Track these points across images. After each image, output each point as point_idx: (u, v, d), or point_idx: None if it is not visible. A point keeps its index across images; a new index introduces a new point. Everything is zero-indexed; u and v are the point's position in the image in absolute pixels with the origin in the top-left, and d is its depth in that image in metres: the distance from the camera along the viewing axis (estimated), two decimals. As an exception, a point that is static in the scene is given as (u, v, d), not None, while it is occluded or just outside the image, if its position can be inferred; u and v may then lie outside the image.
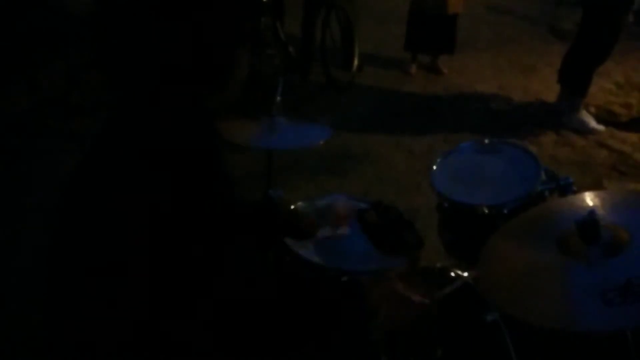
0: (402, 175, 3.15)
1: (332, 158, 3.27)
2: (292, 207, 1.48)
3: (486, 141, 1.57)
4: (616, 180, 3.17)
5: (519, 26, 5.49)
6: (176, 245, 0.78)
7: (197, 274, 0.80)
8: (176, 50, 0.79)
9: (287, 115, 1.77)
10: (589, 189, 1.17)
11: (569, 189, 1.43)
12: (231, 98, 3.49)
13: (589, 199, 1.10)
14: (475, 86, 4.32)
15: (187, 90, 0.84)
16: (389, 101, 4.10)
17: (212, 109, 0.89)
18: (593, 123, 3.60)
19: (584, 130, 3.58)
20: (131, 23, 0.78)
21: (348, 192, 2.96)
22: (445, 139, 3.53)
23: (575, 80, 3.59)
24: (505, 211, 1.39)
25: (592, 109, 3.91)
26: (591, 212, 0.95)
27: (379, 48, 4.81)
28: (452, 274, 1.47)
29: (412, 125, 3.74)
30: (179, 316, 0.81)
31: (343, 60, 4.33)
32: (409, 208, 2.71)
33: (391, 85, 4.34)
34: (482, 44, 5.05)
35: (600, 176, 3.17)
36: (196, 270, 0.80)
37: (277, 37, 4.02)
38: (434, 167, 1.55)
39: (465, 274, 1.46)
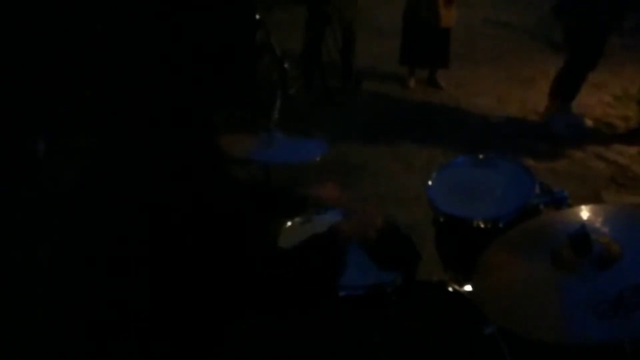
0: (401, 188, 3.16)
1: (332, 171, 3.28)
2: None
3: (481, 156, 1.59)
4: (614, 192, 3.18)
5: (517, 39, 5.53)
6: (180, 251, 0.78)
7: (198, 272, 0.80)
8: (179, 69, 0.81)
9: (284, 130, 1.79)
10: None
11: (564, 202, 1.44)
12: (229, 114, 3.53)
13: (582, 212, 1.11)
14: (474, 99, 4.34)
15: (191, 108, 0.85)
16: (387, 114, 4.13)
17: (215, 125, 0.90)
18: (588, 121, 3.83)
19: (575, 130, 3.74)
20: (134, 41, 0.80)
21: (347, 205, 2.99)
22: (444, 151, 3.54)
23: (565, 88, 3.76)
24: (501, 225, 1.39)
25: (590, 122, 3.94)
26: (582, 225, 0.96)
27: (378, 62, 4.85)
28: (450, 288, 1.48)
29: (411, 138, 3.76)
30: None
31: (342, 75, 4.37)
32: (408, 221, 2.72)
33: (390, 98, 4.37)
34: (480, 57, 5.08)
35: (598, 189, 3.18)
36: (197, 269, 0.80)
37: (272, 52, 4.06)
38: (430, 182, 1.56)
39: (465, 288, 1.47)
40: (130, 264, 0.79)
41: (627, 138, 3.68)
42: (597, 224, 1.05)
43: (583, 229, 0.95)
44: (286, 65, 4.12)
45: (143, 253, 0.78)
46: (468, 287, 1.46)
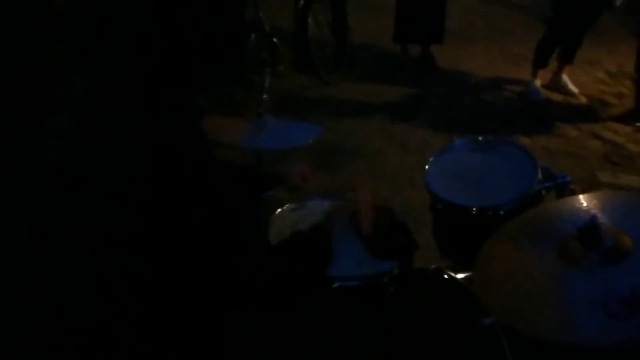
0: (396, 171, 3.11)
1: (324, 154, 3.21)
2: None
3: (480, 139, 1.53)
4: (610, 171, 3.15)
5: (512, 16, 5.43)
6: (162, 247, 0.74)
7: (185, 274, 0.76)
8: (160, 44, 0.75)
9: (275, 113, 1.72)
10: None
11: (566, 187, 1.39)
12: (217, 94, 3.42)
13: (590, 201, 1.06)
14: (468, 78, 4.27)
15: (173, 87, 0.80)
16: (381, 94, 4.04)
17: (199, 106, 0.85)
18: (571, 85, 3.97)
19: (565, 91, 3.94)
20: (114, 17, 0.74)
21: (340, 187, 2.94)
22: (438, 132, 3.49)
23: (565, 51, 3.92)
24: (502, 212, 1.34)
25: (584, 99, 3.91)
26: (593, 217, 0.91)
27: (371, 39, 4.74)
28: (446, 276, 1.44)
29: (404, 118, 3.69)
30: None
31: (334, 53, 4.27)
32: (403, 205, 2.68)
33: (383, 77, 4.28)
34: (475, 34, 4.99)
35: (593, 168, 3.16)
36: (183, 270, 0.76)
37: (261, 29, 3.94)
38: (427, 167, 1.50)
39: (460, 276, 1.43)
40: (113, 254, 0.74)
41: (622, 118, 3.65)
42: (605, 215, 1.00)
43: (594, 220, 0.90)
44: (275, 41, 4.01)
45: (127, 242, 0.74)
46: (466, 275, 1.41)
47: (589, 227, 0.90)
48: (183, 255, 0.74)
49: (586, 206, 1.05)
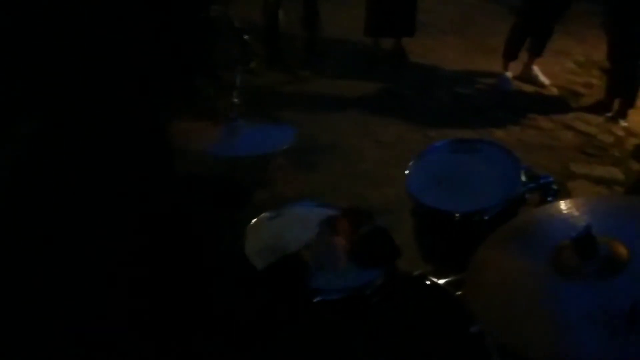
0: (372, 167, 3.06)
1: (299, 151, 3.13)
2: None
3: (462, 140, 1.48)
4: (583, 162, 3.18)
5: (484, 8, 5.45)
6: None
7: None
8: (123, 50, 0.72)
9: (247, 116, 1.63)
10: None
11: (549, 187, 1.36)
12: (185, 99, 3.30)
13: (580, 207, 1.02)
14: (441, 70, 4.26)
15: (138, 98, 0.76)
16: (354, 89, 3.98)
17: (163, 113, 0.79)
18: (541, 77, 3.98)
19: (535, 82, 3.96)
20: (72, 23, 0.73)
21: (317, 186, 2.87)
22: (412, 126, 3.45)
23: (535, 43, 3.93)
24: (486, 217, 1.30)
25: (555, 90, 3.94)
26: (587, 226, 0.86)
27: (342, 33, 4.67)
28: (429, 282, 1.39)
29: (378, 113, 3.65)
30: None
31: (305, 48, 4.19)
32: (381, 202, 2.64)
33: (356, 71, 4.22)
34: (446, 26, 4.98)
35: (567, 160, 3.18)
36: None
37: (230, 25, 3.83)
38: (408, 171, 1.44)
39: (442, 281, 1.39)
40: (66, 272, 0.73)
41: (592, 109, 3.69)
42: (597, 221, 0.95)
43: (588, 230, 0.86)
44: (246, 38, 3.89)
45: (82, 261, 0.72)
46: (449, 279, 1.37)
47: (584, 237, 0.86)
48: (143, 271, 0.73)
49: (578, 213, 1.01)
